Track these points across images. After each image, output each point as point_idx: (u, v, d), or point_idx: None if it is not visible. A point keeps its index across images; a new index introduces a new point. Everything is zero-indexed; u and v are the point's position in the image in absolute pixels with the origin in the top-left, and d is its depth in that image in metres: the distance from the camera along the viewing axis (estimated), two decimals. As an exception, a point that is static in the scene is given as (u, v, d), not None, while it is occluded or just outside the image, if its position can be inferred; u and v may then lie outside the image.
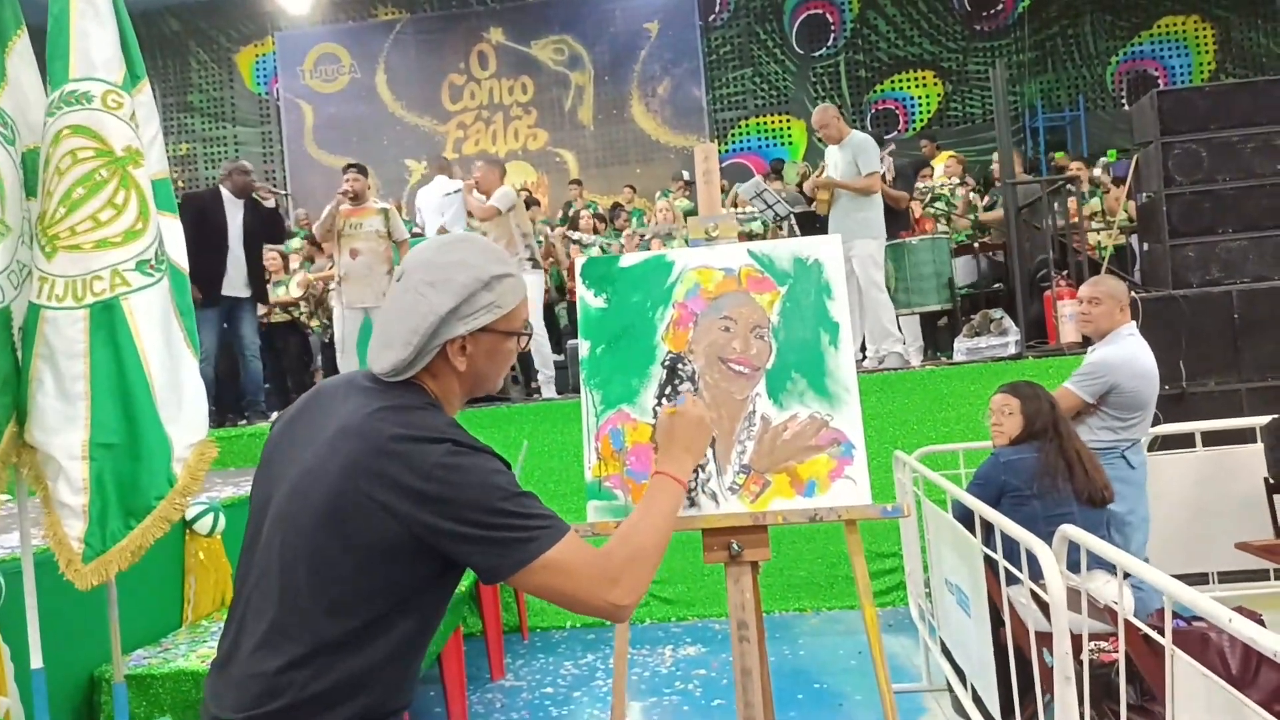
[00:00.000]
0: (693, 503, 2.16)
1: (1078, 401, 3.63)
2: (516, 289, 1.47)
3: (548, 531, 1.32)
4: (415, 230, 7.88)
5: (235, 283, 6.48)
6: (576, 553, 1.33)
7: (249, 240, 6.53)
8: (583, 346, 2.30)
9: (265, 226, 6.69)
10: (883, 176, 7.39)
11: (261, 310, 7.70)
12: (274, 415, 7.24)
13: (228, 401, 7.03)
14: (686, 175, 10.97)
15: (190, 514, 3.79)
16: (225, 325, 6.58)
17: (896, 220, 7.35)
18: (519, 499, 1.33)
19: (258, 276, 6.68)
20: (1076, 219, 6.81)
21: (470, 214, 6.88)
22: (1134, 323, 3.84)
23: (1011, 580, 2.88)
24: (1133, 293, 4.14)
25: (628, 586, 1.36)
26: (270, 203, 6.65)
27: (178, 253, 2.58)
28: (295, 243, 9.49)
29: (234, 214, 6.47)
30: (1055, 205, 6.66)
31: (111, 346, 2.32)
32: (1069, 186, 6.78)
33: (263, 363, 7.69)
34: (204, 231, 6.27)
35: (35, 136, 2.42)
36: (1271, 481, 3.94)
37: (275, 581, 1.33)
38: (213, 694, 1.37)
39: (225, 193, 6.49)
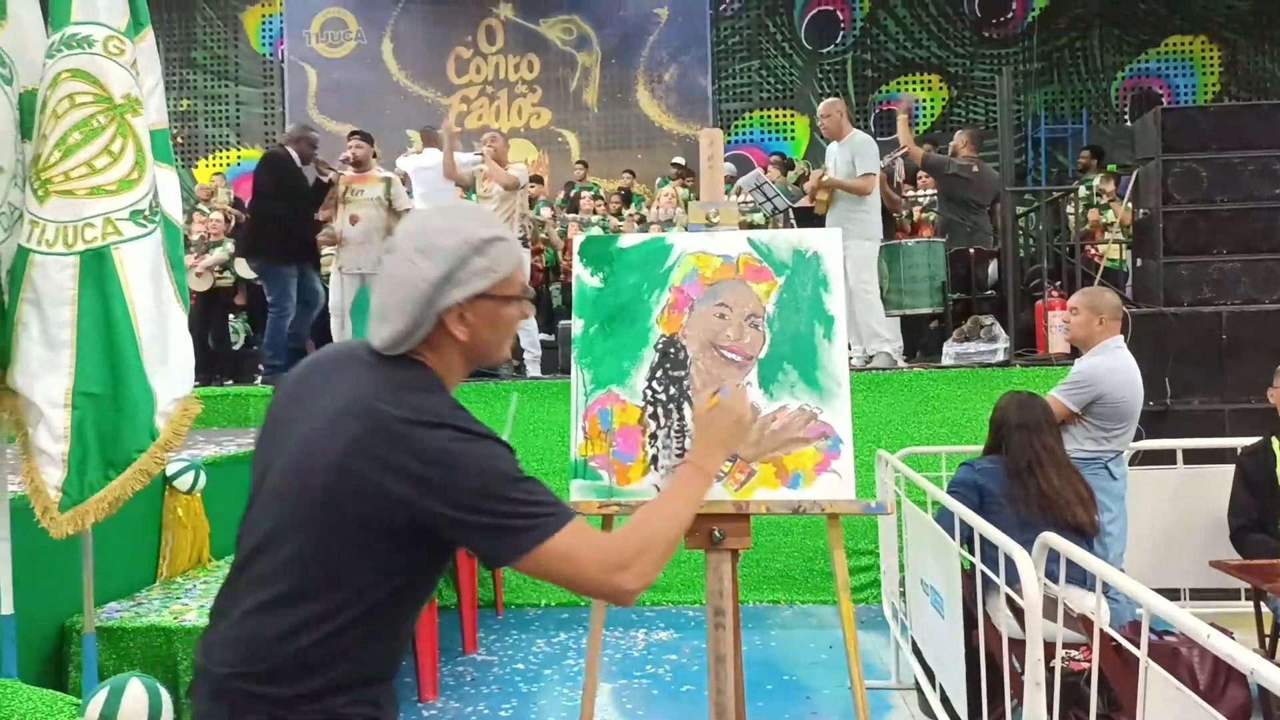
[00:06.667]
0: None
1: (1062, 410, 3.66)
2: (511, 253, 1.44)
3: (550, 519, 1.32)
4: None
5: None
6: (580, 539, 1.33)
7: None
8: (576, 325, 2.29)
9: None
10: (890, 179, 7.39)
11: (256, 275, 7.67)
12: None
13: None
14: (681, 161, 10.93)
15: (171, 470, 3.78)
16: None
17: (889, 223, 7.34)
18: (521, 485, 1.33)
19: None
20: (1089, 228, 6.82)
21: (460, 184, 6.88)
22: (1122, 336, 3.86)
23: (989, 586, 2.89)
24: (1123, 308, 4.14)
25: (636, 572, 1.36)
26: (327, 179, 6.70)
27: (172, 205, 2.55)
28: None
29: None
30: (1070, 210, 6.68)
31: (100, 295, 2.30)
32: (1091, 196, 6.81)
33: (254, 326, 7.69)
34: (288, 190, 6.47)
35: (34, 77, 2.39)
36: (1232, 526, 3.94)
37: (274, 553, 1.34)
38: (205, 645, 1.39)
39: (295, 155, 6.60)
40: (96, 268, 2.29)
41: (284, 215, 6.38)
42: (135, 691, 2.07)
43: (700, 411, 1.73)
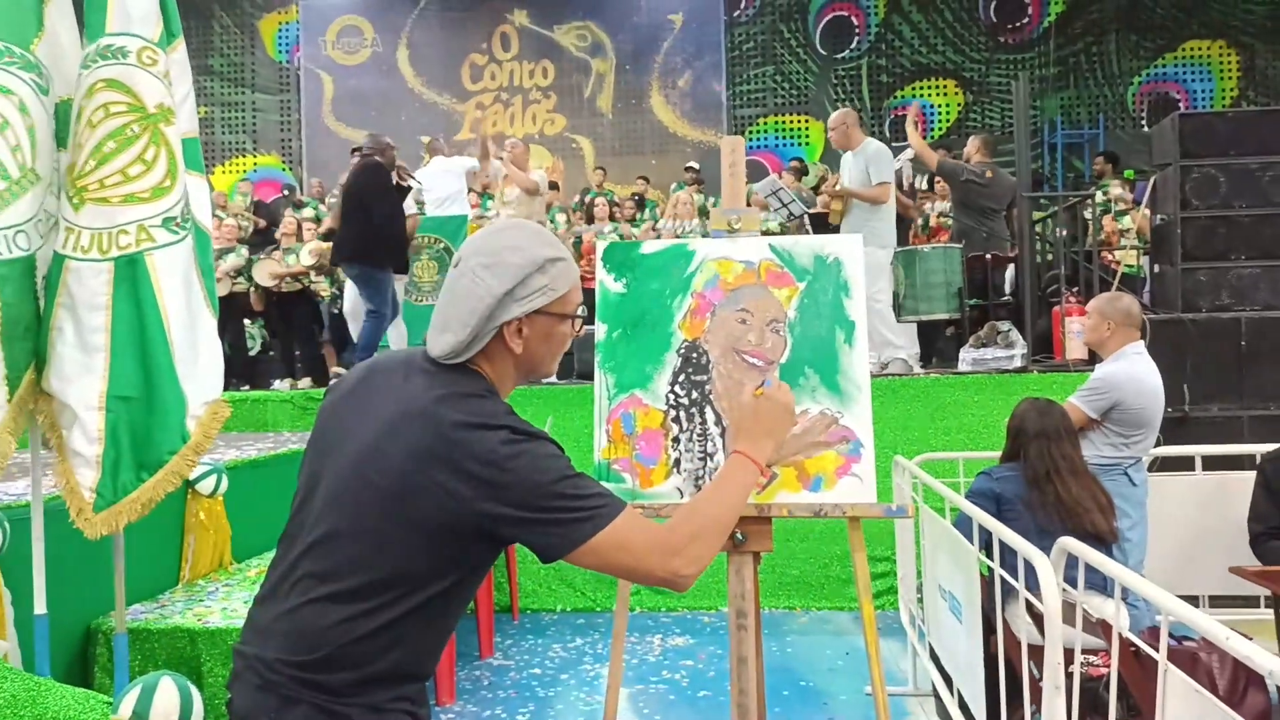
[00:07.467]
0: (699, 490, 2.18)
1: (1081, 416, 3.66)
2: (569, 272, 1.51)
3: (603, 510, 1.37)
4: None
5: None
6: (633, 528, 1.39)
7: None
8: (599, 330, 2.32)
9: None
10: (900, 183, 7.40)
11: (272, 280, 7.73)
12: (280, 381, 7.31)
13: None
14: (696, 165, 10.94)
15: (194, 474, 3.81)
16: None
17: (903, 228, 7.36)
18: (573, 481, 1.38)
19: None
20: (1105, 235, 6.82)
21: (481, 191, 6.95)
22: (1141, 342, 3.86)
23: (1008, 592, 2.90)
24: (1140, 314, 4.13)
25: (690, 557, 1.41)
26: (408, 184, 6.78)
27: (203, 213, 2.60)
28: (308, 211, 9.51)
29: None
30: (1088, 215, 6.68)
31: (133, 300, 2.34)
32: (1109, 203, 6.81)
33: (271, 332, 7.70)
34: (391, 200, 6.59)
35: (69, 88, 2.44)
36: (1252, 532, 3.92)
37: (335, 550, 1.39)
38: (255, 634, 1.43)
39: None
40: (130, 273, 2.34)
41: (386, 223, 6.54)
42: (167, 690, 2.10)
43: (746, 402, 1.75)
